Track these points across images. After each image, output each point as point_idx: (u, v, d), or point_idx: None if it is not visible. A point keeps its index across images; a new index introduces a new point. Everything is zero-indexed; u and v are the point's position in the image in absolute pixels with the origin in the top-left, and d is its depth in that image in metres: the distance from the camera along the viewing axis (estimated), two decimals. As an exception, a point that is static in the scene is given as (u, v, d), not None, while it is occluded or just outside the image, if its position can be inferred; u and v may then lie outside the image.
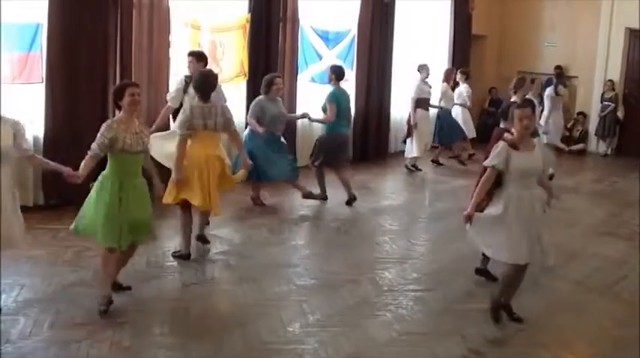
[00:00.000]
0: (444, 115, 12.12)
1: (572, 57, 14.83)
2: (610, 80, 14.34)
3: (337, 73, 9.07)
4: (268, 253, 7.08)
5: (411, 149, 11.55)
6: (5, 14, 7.33)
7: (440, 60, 13.64)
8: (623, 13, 13.99)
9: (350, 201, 9.13)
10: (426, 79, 11.42)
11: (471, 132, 12.80)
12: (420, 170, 11.74)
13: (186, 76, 7.73)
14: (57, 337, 4.93)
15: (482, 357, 5.03)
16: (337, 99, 8.94)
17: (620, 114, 14.45)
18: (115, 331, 5.04)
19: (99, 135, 5.28)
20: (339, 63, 10.47)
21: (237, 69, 9.97)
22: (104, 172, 5.39)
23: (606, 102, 14.36)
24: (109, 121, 5.41)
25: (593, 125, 14.77)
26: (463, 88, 12.75)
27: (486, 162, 5.38)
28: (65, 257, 6.54)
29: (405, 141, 11.73)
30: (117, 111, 5.78)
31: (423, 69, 11.38)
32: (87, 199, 5.42)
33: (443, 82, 12.25)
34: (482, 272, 6.49)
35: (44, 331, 5.01)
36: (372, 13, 11.95)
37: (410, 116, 11.42)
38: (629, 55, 14.46)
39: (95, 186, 5.37)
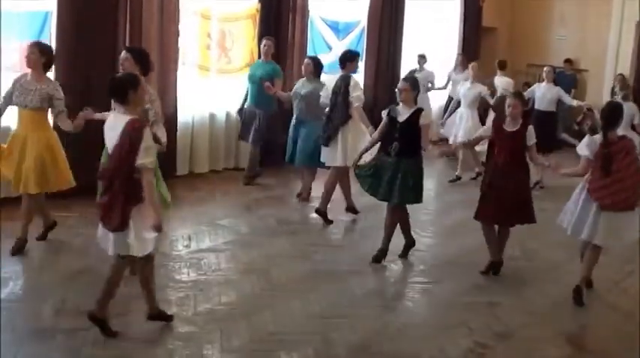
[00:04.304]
0: None
1: (582, 50, 14.73)
2: (620, 74, 14.23)
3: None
4: (275, 243, 7.08)
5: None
6: (15, 2, 7.34)
7: (450, 51, 13.58)
8: (634, 6, 13.84)
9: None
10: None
11: None
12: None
13: None
14: (63, 325, 4.96)
15: (488, 350, 5.02)
16: None
17: (630, 108, 14.35)
18: (120, 319, 5.05)
19: None
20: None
21: (247, 58, 9.95)
22: None
23: (616, 97, 14.27)
24: None
25: (603, 119, 14.64)
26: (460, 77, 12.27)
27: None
28: (72, 245, 6.55)
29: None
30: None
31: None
32: None
33: (462, 70, 12.00)
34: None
35: (50, 319, 5.04)
36: (382, 3, 11.90)
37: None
38: (639, 50, 14.36)
39: None
